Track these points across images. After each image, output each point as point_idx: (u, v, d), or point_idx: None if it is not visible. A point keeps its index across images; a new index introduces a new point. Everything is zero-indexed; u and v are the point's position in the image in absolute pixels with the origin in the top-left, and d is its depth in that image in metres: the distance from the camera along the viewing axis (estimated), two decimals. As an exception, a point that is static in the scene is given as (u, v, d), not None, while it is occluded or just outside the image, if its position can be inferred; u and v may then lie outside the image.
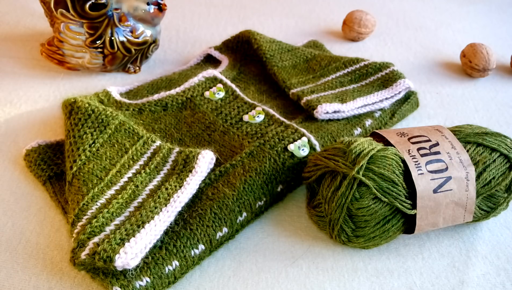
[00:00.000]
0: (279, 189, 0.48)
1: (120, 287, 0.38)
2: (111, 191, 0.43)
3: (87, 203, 0.42)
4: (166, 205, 0.41)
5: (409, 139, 0.44)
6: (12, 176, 0.51)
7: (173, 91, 0.57)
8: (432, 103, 0.64)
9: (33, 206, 0.48)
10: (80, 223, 0.40)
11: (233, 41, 0.67)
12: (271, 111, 0.54)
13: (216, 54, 0.67)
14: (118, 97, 0.56)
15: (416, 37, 0.79)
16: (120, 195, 0.42)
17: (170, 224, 0.41)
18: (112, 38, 0.61)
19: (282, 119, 0.53)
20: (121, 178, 0.44)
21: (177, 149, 0.47)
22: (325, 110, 0.54)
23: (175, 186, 0.43)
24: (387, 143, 0.45)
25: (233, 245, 0.45)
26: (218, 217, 0.43)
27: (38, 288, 0.41)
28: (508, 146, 0.45)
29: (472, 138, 0.45)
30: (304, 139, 0.50)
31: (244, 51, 0.66)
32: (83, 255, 0.38)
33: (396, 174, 0.41)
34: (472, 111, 0.63)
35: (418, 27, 0.81)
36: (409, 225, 0.44)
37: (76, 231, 0.40)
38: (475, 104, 0.64)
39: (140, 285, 0.38)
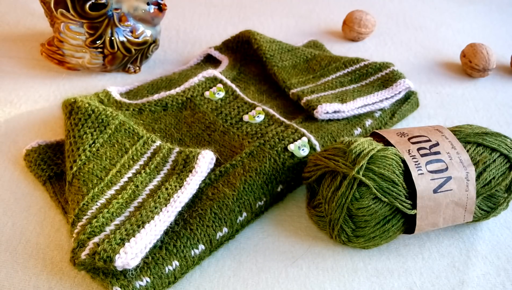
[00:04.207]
0: (279, 189, 0.48)
1: (120, 287, 0.38)
2: (111, 191, 0.43)
3: (87, 203, 0.42)
4: (166, 205, 0.41)
5: (409, 139, 0.44)
6: (12, 176, 0.51)
7: (173, 91, 0.57)
8: (432, 103, 0.64)
9: (33, 206, 0.48)
10: (80, 223, 0.40)
11: (233, 41, 0.67)
12: (271, 111, 0.54)
13: (216, 54, 0.67)
14: (118, 97, 0.56)
15: (416, 37, 0.79)
16: (120, 195, 0.42)
17: (170, 224, 0.41)
18: (112, 38, 0.61)
19: (282, 119, 0.53)
20: (121, 178, 0.44)
21: (177, 149, 0.47)
22: (325, 110, 0.54)
23: (175, 186, 0.43)
24: (387, 143, 0.45)
25: (233, 245, 0.45)
26: (218, 217, 0.43)
27: (38, 288, 0.41)
28: (508, 146, 0.45)
29: (472, 138, 0.45)
30: (304, 139, 0.50)
31: (244, 51, 0.66)
32: (83, 255, 0.38)
33: (396, 174, 0.41)
34: (472, 111, 0.63)
35: (418, 27, 0.81)
36: (409, 225, 0.44)
37: (76, 231, 0.40)
38: (475, 104, 0.64)
39: (140, 285, 0.38)
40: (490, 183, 0.44)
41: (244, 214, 0.45)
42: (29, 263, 0.42)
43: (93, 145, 0.47)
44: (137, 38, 0.62)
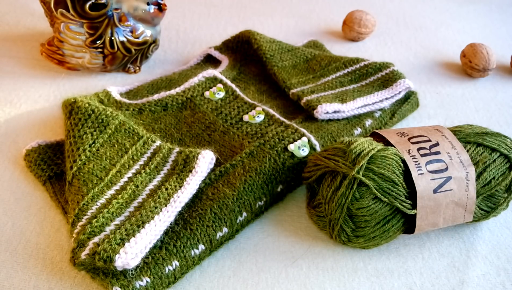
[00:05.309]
0: (279, 189, 0.48)
1: (120, 287, 0.38)
2: (111, 191, 0.43)
3: (87, 203, 0.42)
4: (166, 205, 0.41)
5: (409, 139, 0.44)
6: (12, 176, 0.51)
7: (173, 91, 0.57)
8: (432, 103, 0.64)
9: (33, 206, 0.48)
10: (80, 223, 0.40)
11: (233, 41, 0.67)
12: (271, 111, 0.54)
13: (216, 54, 0.67)
14: (118, 97, 0.56)
15: (416, 37, 0.79)
16: (120, 195, 0.42)
17: (170, 224, 0.41)
18: (112, 38, 0.61)
19: (282, 119, 0.53)
20: (121, 178, 0.44)
21: (177, 149, 0.47)
22: (325, 110, 0.54)
23: (175, 186, 0.43)
24: (387, 143, 0.45)
25: (233, 245, 0.45)
26: (218, 217, 0.43)
27: (38, 288, 0.41)
28: (508, 146, 0.45)
29: (472, 138, 0.45)
30: (304, 139, 0.50)
31: (244, 51, 0.66)
32: (83, 255, 0.38)
33: (396, 174, 0.41)
34: (472, 111, 0.63)
35: (418, 27, 0.81)
36: (409, 225, 0.44)
37: (76, 231, 0.40)
38: (475, 104, 0.64)
39: (140, 285, 0.38)
40: (490, 183, 0.44)
41: (244, 214, 0.45)
42: (29, 263, 0.42)
43: (93, 145, 0.47)
44: (137, 38, 0.62)
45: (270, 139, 0.50)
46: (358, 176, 0.41)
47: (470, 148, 0.44)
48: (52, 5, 0.59)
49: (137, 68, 0.66)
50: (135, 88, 0.61)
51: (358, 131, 0.55)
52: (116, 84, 0.63)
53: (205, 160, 0.45)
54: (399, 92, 0.58)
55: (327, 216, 0.43)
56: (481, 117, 0.62)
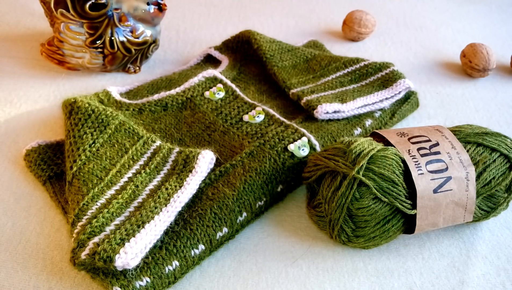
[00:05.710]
0: (279, 189, 0.48)
1: (120, 287, 0.38)
2: (111, 191, 0.43)
3: (87, 203, 0.42)
4: (166, 205, 0.41)
5: (409, 139, 0.44)
6: (12, 176, 0.51)
7: (173, 91, 0.57)
8: (432, 103, 0.64)
9: (33, 206, 0.48)
10: (80, 223, 0.40)
11: (233, 41, 0.67)
12: (271, 111, 0.54)
13: (216, 54, 0.67)
14: (118, 97, 0.56)
15: (416, 37, 0.79)
16: (120, 195, 0.42)
17: (170, 224, 0.41)
18: (112, 38, 0.61)
19: (282, 119, 0.53)
20: (121, 178, 0.44)
21: (177, 149, 0.47)
22: (325, 110, 0.54)
23: (175, 186, 0.43)
24: (387, 143, 0.45)
25: (233, 245, 0.45)
26: (218, 217, 0.43)
27: (38, 288, 0.41)
28: (508, 146, 0.45)
29: (472, 138, 0.45)
30: (304, 139, 0.50)
31: (244, 51, 0.66)
32: (83, 255, 0.38)
33: (396, 174, 0.41)
34: (472, 111, 0.63)
35: (418, 27, 0.81)
36: (409, 225, 0.44)
37: (76, 231, 0.40)
38: (475, 104, 0.64)
39: (140, 285, 0.38)
40: (490, 183, 0.44)
41: (244, 214, 0.45)
42: (29, 263, 0.42)
43: (93, 145, 0.47)
44: (137, 38, 0.62)
45: (270, 139, 0.50)
46: (358, 176, 0.41)
47: (470, 148, 0.45)
48: (52, 5, 0.59)
49: (137, 68, 0.66)
50: (135, 88, 0.61)
51: (358, 131, 0.55)
52: (116, 84, 0.63)
53: (205, 160, 0.45)
54: (399, 92, 0.58)
55: (327, 216, 0.43)
56: (481, 117, 0.62)
